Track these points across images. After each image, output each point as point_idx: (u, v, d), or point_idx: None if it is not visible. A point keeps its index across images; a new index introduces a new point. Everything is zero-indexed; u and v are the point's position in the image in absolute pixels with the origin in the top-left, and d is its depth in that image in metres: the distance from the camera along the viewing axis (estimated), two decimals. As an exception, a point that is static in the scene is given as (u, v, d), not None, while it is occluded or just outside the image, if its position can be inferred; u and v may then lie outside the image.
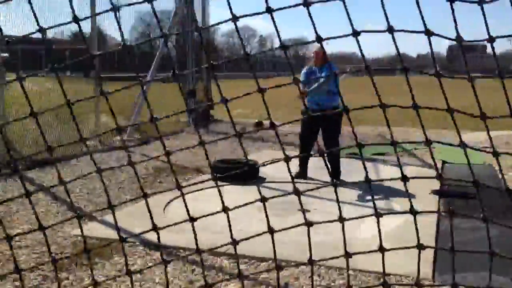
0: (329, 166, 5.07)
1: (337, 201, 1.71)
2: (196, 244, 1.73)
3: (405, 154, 7.87)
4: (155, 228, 1.71)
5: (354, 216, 1.83)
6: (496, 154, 1.54)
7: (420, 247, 1.73)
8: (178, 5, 10.80)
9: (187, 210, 1.73)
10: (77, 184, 5.60)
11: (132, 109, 9.63)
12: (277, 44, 1.62)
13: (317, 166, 6.17)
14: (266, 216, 1.71)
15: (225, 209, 1.69)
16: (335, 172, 6.04)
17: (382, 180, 1.95)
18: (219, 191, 1.73)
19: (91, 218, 4.45)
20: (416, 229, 1.69)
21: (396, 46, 1.55)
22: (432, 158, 1.70)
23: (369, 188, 1.68)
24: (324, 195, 4.82)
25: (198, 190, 4.96)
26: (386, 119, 1.57)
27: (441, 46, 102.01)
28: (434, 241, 3.99)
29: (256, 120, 11.93)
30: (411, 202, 1.70)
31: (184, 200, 1.74)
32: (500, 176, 6.31)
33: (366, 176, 1.66)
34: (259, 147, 8.74)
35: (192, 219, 1.75)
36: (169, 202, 4.96)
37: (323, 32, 1.49)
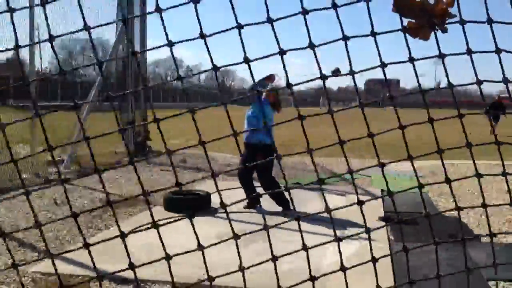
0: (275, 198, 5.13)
1: (300, 231, 1.73)
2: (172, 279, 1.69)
3: (345, 183, 8.22)
4: (132, 266, 1.63)
5: (315, 244, 1.88)
6: (448, 181, 1.69)
7: (375, 260, 1.77)
8: (119, 33, 10.70)
9: (162, 244, 1.61)
10: (20, 217, 5.35)
11: (69, 139, 9.33)
12: (203, 74, 1.53)
13: (267, 196, 6.34)
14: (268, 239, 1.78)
15: (199, 244, 1.62)
16: (281, 202, 6.22)
17: (341, 207, 2.07)
18: (192, 225, 1.64)
19: (46, 254, 4.28)
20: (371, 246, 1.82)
21: (324, 85, 1.61)
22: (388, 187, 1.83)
23: (330, 217, 1.73)
24: (281, 224, 4.96)
25: (155, 223, 4.92)
26: (343, 150, 1.65)
27: (361, 80, 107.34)
28: (391, 264, 4.23)
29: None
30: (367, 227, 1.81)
31: (158, 233, 1.68)
32: (433, 203, 6.85)
33: (326, 206, 1.73)
34: (203, 178, 8.75)
35: (168, 257, 1.66)
36: (127, 235, 4.86)
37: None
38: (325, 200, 1.78)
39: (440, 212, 5.57)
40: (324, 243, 1.81)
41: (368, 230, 1.75)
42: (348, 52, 1.52)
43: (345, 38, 1.49)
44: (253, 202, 6.35)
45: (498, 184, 7.78)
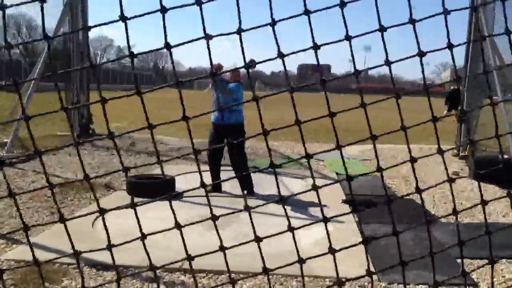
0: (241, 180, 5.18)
1: (286, 215, 1.71)
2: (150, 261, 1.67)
3: (302, 167, 8.39)
4: (109, 247, 1.58)
5: (294, 226, 1.80)
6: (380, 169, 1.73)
7: (367, 240, 1.79)
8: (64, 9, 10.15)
9: (140, 228, 1.62)
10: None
11: (9, 119, 8.80)
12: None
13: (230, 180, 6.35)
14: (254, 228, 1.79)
15: (178, 226, 1.57)
16: (247, 185, 6.28)
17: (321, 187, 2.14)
18: (171, 207, 1.64)
19: (16, 241, 4.08)
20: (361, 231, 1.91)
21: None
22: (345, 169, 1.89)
23: (319, 200, 1.70)
24: (255, 208, 5.01)
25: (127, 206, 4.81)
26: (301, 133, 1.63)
27: (293, 65, 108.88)
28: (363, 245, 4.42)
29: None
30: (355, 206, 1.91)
31: (137, 216, 1.61)
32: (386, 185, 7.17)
33: (314, 184, 1.64)
34: (161, 161, 8.61)
35: (144, 236, 1.58)
36: (96, 218, 4.72)
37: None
38: (315, 185, 1.67)
39: (405, 195, 5.85)
40: (309, 224, 1.78)
41: (351, 212, 1.74)
42: (275, 35, 1.50)
43: (274, 23, 1.48)
44: (218, 186, 6.39)
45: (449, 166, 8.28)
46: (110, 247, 1.59)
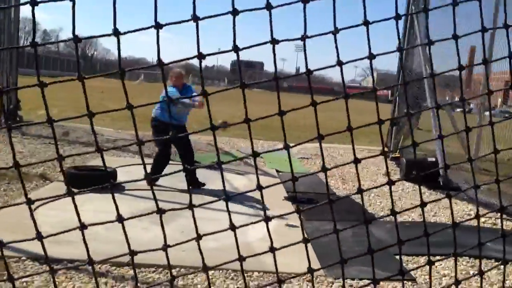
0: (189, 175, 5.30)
1: (229, 214, 1.72)
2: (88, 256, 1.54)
3: (241, 163, 8.46)
4: (40, 237, 1.51)
5: (239, 222, 1.77)
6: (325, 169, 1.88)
7: (307, 241, 1.85)
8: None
9: (77, 213, 1.50)
10: None
11: None
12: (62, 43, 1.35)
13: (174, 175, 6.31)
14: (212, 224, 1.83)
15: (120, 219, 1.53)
16: (193, 181, 6.32)
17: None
18: (113, 197, 1.56)
19: None
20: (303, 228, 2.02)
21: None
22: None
23: (261, 196, 1.67)
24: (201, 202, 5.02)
25: (60, 197, 4.63)
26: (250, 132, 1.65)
27: (227, 60, 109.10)
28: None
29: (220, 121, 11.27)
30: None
31: (76, 208, 1.51)
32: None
33: (258, 184, 1.75)
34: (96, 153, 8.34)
35: (83, 226, 1.52)
36: (34, 209, 4.51)
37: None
38: (259, 185, 1.66)
39: (346, 196, 6.07)
40: (253, 223, 1.78)
41: (297, 211, 1.75)
42: (198, 32, 1.46)
43: (196, 18, 1.44)
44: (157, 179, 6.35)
45: (384, 166, 8.67)
46: (40, 237, 1.51)
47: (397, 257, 4.32)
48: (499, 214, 6.14)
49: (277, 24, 1.56)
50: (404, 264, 4.06)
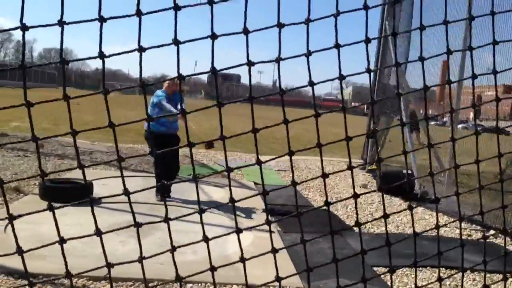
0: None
1: (202, 224, 1.73)
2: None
3: (219, 175, 8.44)
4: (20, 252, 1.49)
5: (217, 235, 1.81)
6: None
7: (275, 251, 1.86)
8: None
9: (58, 232, 1.52)
10: None
11: None
12: (36, 52, 1.35)
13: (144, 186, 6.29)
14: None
15: (98, 232, 1.56)
16: (164, 189, 6.40)
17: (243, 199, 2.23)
18: (92, 211, 1.56)
19: None
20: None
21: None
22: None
23: (233, 208, 1.73)
24: (171, 215, 4.99)
25: (34, 213, 4.56)
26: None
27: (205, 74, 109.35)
28: (286, 253, 4.57)
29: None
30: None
31: (55, 219, 1.49)
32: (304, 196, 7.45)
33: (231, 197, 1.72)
34: (73, 165, 8.23)
35: (63, 240, 1.52)
36: (8, 224, 4.42)
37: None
38: (232, 199, 1.70)
39: (314, 208, 6.10)
40: (225, 234, 1.81)
41: (269, 222, 1.78)
42: (178, 55, 1.50)
43: (178, 42, 1.48)
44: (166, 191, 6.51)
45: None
46: (21, 252, 1.50)
47: (375, 268, 4.38)
48: (474, 226, 6.23)
49: (254, 36, 1.59)
50: (382, 276, 4.10)
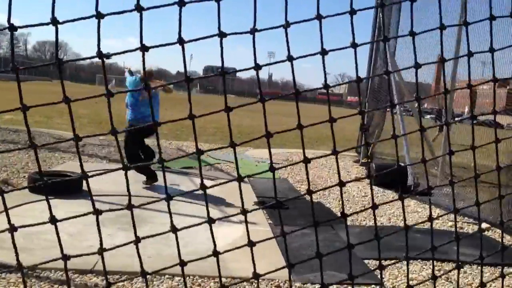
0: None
1: (169, 213, 1.69)
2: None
3: (212, 168, 8.40)
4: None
5: (205, 226, 1.77)
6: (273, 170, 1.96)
7: (252, 244, 1.79)
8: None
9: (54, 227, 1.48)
10: None
11: None
12: (30, 44, 1.35)
13: (137, 180, 6.26)
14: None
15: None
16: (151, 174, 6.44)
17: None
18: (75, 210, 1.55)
19: None
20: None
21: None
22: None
23: (205, 195, 1.77)
24: (162, 208, 4.95)
25: (21, 205, 4.49)
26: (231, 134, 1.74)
27: (199, 66, 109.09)
28: (277, 246, 4.52)
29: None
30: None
31: (50, 209, 1.47)
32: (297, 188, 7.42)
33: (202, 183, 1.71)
34: (63, 158, 8.17)
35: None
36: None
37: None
38: (203, 185, 1.76)
39: (297, 197, 6.06)
40: (196, 225, 1.76)
41: (245, 212, 1.74)
42: (184, 53, 1.51)
43: (182, 42, 1.48)
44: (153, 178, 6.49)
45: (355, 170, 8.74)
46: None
47: (366, 261, 4.35)
48: (466, 218, 6.20)
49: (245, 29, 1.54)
50: (371, 268, 4.07)
